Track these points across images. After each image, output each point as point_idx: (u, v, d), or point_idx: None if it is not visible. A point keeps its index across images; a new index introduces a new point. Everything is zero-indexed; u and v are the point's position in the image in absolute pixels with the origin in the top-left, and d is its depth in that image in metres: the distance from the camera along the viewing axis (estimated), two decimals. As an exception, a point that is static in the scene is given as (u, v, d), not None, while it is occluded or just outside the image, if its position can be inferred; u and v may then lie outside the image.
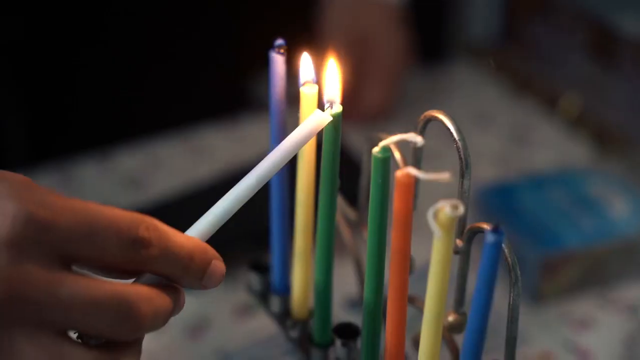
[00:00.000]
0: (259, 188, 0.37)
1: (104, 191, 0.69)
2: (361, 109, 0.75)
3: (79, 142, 0.73)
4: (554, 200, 0.63)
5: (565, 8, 0.77)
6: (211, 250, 0.36)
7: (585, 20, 0.76)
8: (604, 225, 0.60)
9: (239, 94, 0.80)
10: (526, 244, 0.59)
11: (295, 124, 0.40)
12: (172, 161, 0.73)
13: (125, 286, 0.33)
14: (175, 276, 0.35)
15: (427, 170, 0.34)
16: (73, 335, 0.34)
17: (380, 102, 0.75)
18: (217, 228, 0.37)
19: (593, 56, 0.75)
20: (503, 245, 0.35)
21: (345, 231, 0.48)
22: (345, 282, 0.53)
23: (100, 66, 0.76)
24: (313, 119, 0.37)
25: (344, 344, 0.41)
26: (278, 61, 0.40)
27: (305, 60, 0.39)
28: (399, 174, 0.33)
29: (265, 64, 0.41)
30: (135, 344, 0.35)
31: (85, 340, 0.34)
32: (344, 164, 0.40)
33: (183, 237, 0.35)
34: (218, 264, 0.36)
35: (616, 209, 0.62)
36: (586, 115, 0.75)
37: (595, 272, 0.60)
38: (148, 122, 0.76)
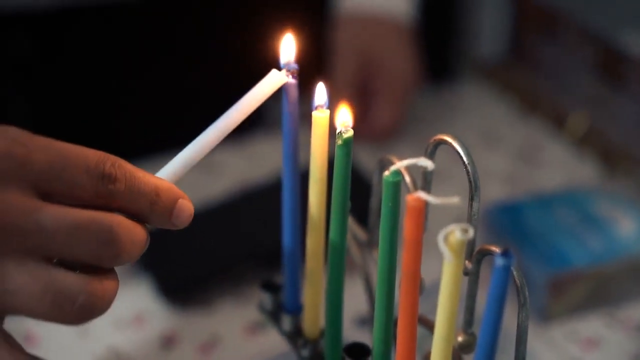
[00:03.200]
0: (220, 140, 0.41)
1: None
2: (371, 129, 0.76)
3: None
4: (561, 220, 0.63)
5: (573, 27, 0.78)
6: (177, 189, 0.38)
7: (592, 40, 0.76)
8: (612, 244, 0.61)
9: (255, 112, 0.81)
10: (534, 263, 0.60)
11: (308, 142, 0.41)
12: (184, 178, 0.74)
13: (103, 213, 0.35)
14: (143, 212, 0.37)
15: (436, 192, 0.35)
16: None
17: (390, 122, 0.76)
18: (181, 173, 0.39)
19: (600, 75, 0.76)
20: (513, 269, 0.35)
21: (355, 251, 0.49)
22: (356, 300, 0.53)
23: (107, 81, 0.77)
24: (269, 80, 0.40)
25: (355, 365, 0.41)
26: (291, 86, 0.41)
27: (320, 89, 0.40)
28: (409, 198, 0.34)
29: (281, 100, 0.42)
30: (112, 272, 0.37)
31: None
32: (353, 183, 0.41)
33: (148, 175, 0.37)
34: (185, 203, 0.38)
35: (623, 228, 0.62)
36: (593, 135, 0.76)
37: (602, 291, 0.60)
38: (158, 139, 0.76)
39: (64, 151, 0.35)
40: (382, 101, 0.76)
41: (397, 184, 0.36)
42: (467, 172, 0.38)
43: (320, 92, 0.39)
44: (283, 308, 0.46)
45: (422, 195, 0.34)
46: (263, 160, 0.75)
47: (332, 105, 0.41)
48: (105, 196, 0.36)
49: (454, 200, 0.33)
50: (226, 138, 0.79)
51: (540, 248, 0.61)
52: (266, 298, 0.47)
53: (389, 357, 0.40)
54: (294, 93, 0.41)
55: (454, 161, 0.37)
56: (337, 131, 0.39)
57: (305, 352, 0.45)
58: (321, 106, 0.40)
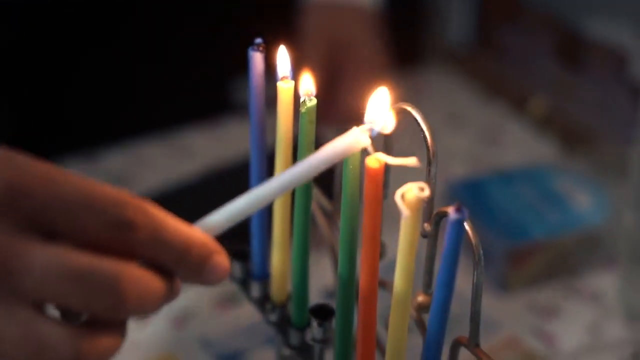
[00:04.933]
0: (278, 195, 0.35)
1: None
2: (339, 113, 0.78)
3: (64, 142, 0.74)
4: (521, 195, 0.66)
5: (535, 14, 0.81)
6: (212, 244, 0.33)
7: (553, 26, 0.79)
8: (568, 217, 0.63)
9: (221, 96, 0.82)
10: (495, 236, 0.62)
11: (274, 123, 0.42)
12: (156, 161, 0.75)
13: (110, 261, 0.31)
14: (169, 266, 0.33)
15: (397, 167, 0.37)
16: (55, 313, 0.33)
17: (356, 106, 0.77)
18: (227, 226, 0.35)
19: (560, 59, 0.78)
20: (466, 226, 0.37)
21: (321, 221, 0.50)
22: (323, 275, 0.55)
23: (85, 68, 0.78)
24: (349, 138, 0.35)
25: (319, 325, 0.43)
26: (257, 59, 0.43)
27: (282, 54, 0.41)
28: (368, 159, 0.36)
29: (246, 68, 0.43)
30: (118, 327, 0.33)
31: (67, 318, 0.32)
32: None
33: (179, 224, 0.33)
34: (220, 260, 0.34)
35: (580, 202, 0.65)
36: (554, 116, 0.78)
37: (560, 262, 0.63)
38: (133, 123, 0.78)
39: (73, 186, 0.31)
40: (349, 86, 0.78)
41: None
42: (425, 137, 0.40)
43: (282, 56, 0.41)
44: (252, 275, 0.47)
45: (380, 156, 0.36)
46: (233, 142, 0.77)
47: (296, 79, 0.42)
48: (122, 244, 0.31)
49: (412, 160, 0.35)
50: (196, 120, 0.81)
51: (501, 222, 0.63)
52: (235, 266, 0.48)
53: (352, 316, 0.42)
54: (259, 65, 0.43)
55: (418, 145, 0.39)
56: (301, 99, 0.41)
57: (273, 317, 0.46)
58: (286, 77, 0.42)
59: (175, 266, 0.33)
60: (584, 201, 0.65)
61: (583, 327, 0.60)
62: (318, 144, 0.43)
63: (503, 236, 0.62)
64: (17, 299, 0.31)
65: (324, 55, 0.77)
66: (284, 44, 0.42)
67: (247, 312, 0.58)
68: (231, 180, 0.69)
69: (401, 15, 0.85)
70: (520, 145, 0.77)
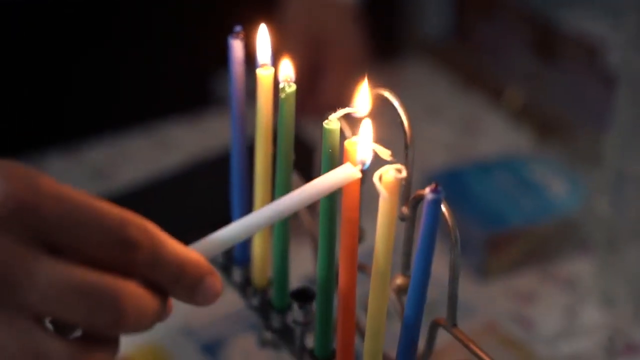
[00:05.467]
0: (272, 222, 0.36)
1: (71, 184, 0.71)
2: (318, 105, 0.79)
3: (47, 136, 0.75)
4: (498, 184, 0.67)
5: (511, 8, 0.82)
6: (206, 264, 0.34)
7: (528, 19, 0.80)
8: (545, 205, 0.65)
9: (203, 90, 0.83)
10: (473, 224, 0.63)
11: (255, 116, 0.43)
12: (138, 154, 0.76)
13: (111, 277, 0.32)
14: (164, 285, 0.34)
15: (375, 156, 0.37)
16: (49, 325, 0.33)
17: (336, 99, 0.78)
18: (220, 249, 0.36)
19: (536, 52, 0.80)
20: (443, 207, 0.38)
21: (302, 210, 0.51)
22: (303, 264, 0.56)
23: (66, 62, 0.78)
24: (339, 172, 0.36)
25: (300, 307, 0.44)
26: (237, 47, 0.43)
27: (263, 35, 0.41)
28: (346, 142, 0.37)
29: (228, 62, 0.43)
30: (112, 343, 0.34)
31: (61, 332, 0.33)
32: (300, 151, 0.43)
33: (177, 245, 0.34)
34: (212, 280, 0.35)
35: (555, 190, 0.66)
36: (529, 107, 0.79)
37: (537, 249, 0.64)
38: (115, 116, 0.78)
39: (79, 204, 0.32)
40: (327, 78, 0.79)
41: (335, 131, 0.38)
42: (401, 122, 0.41)
43: (263, 36, 0.41)
44: (233, 260, 0.48)
45: (358, 139, 0.37)
46: (214, 135, 0.77)
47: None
48: (124, 262, 0.32)
49: (386, 153, 0.36)
50: (178, 113, 0.82)
51: (479, 210, 0.64)
52: (216, 257, 0.49)
53: (332, 298, 0.43)
54: (239, 53, 0.44)
55: (398, 136, 0.40)
56: (280, 86, 0.41)
57: (255, 301, 0.47)
58: (265, 64, 0.42)
59: (171, 286, 0.34)
60: (560, 189, 0.66)
61: (559, 311, 0.61)
62: (298, 134, 0.44)
63: (481, 224, 0.63)
64: (20, 312, 0.31)
65: (304, 49, 0.78)
66: (265, 25, 0.42)
67: (228, 300, 0.58)
68: (211, 172, 0.70)
69: (379, 8, 0.86)
70: (497, 135, 0.79)
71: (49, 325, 0.33)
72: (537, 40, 0.80)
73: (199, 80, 0.82)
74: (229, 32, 0.43)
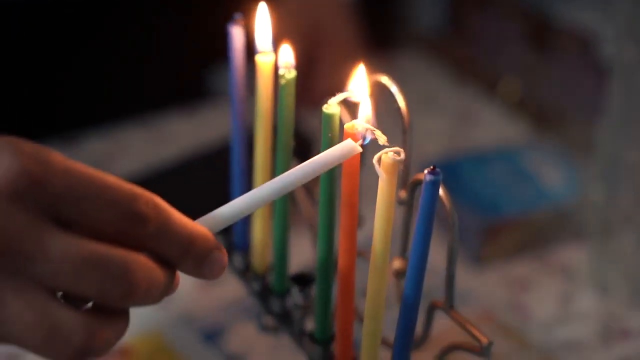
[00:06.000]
0: (275, 197, 0.36)
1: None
2: (313, 96, 0.79)
3: (45, 127, 0.75)
4: (494, 174, 0.68)
5: (505, 0, 0.83)
6: (213, 239, 0.35)
7: (523, 12, 0.81)
8: (540, 194, 0.66)
9: (201, 82, 0.83)
10: (469, 212, 0.64)
11: (253, 109, 0.43)
12: (135, 146, 0.76)
13: (122, 249, 0.32)
14: (172, 259, 0.34)
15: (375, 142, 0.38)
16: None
17: (332, 89, 0.79)
18: (224, 225, 0.36)
19: (530, 44, 0.81)
20: (441, 191, 0.39)
21: (301, 198, 0.52)
22: (302, 253, 0.56)
23: (65, 53, 0.78)
24: (340, 147, 0.37)
25: (300, 290, 0.44)
26: (236, 34, 0.44)
27: (262, 19, 0.41)
28: (346, 126, 0.38)
29: (226, 55, 0.43)
30: (123, 316, 0.34)
31: (72, 303, 0.33)
32: (298, 143, 0.43)
33: (184, 219, 0.34)
34: (219, 255, 0.35)
35: (550, 180, 0.67)
36: (524, 98, 0.80)
37: (532, 237, 0.65)
38: (113, 108, 0.78)
39: (88, 179, 0.32)
40: (323, 70, 0.79)
41: (334, 115, 0.39)
42: (399, 107, 0.41)
43: (262, 17, 0.41)
44: (234, 246, 0.49)
45: (357, 122, 0.37)
46: (212, 127, 0.77)
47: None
48: (133, 236, 0.33)
49: (382, 137, 0.36)
50: (176, 105, 0.82)
51: (475, 199, 0.65)
52: (218, 238, 0.49)
53: (331, 283, 0.43)
54: (239, 41, 0.44)
55: (396, 123, 0.40)
56: (280, 73, 0.42)
57: (255, 285, 0.48)
58: (265, 51, 0.43)
59: (179, 259, 0.34)
60: (555, 178, 0.67)
61: (554, 298, 0.62)
62: (295, 125, 0.44)
63: (477, 213, 0.64)
64: (34, 284, 0.32)
65: (299, 42, 0.78)
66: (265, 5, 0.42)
67: (228, 289, 0.60)
68: (209, 164, 0.70)
69: (375, 1, 0.87)
70: (492, 127, 0.79)
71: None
72: (532, 33, 0.80)
73: (195, 72, 0.83)
74: (225, 24, 0.43)
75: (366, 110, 0.37)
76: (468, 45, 0.87)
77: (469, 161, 0.69)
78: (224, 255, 0.35)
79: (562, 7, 0.78)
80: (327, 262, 0.43)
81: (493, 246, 0.64)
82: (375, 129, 0.37)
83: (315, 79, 0.79)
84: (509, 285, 0.63)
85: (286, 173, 0.36)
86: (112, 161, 0.74)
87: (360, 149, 0.36)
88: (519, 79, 0.81)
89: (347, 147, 0.36)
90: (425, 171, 0.36)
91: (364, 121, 0.37)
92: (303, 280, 0.45)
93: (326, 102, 0.39)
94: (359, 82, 0.40)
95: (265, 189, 0.36)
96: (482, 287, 0.62)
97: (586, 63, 0.74)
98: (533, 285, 0.63)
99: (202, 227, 0.35)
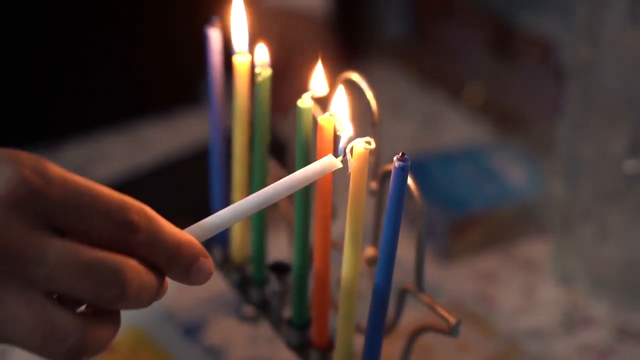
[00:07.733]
0: (260, 208, 0.38)
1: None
2: (283, 103, 0.81)
3: (24, 134, 0.76)
4: (460, 173, 0.70)
5: (469, 9, 0.86)
6: (199, 247, 0.37)
7: (487, 19, 0.84)
8: (504, 191, 0.68)
9: (180, 90, 0.84)
10: (437, 210, 0.66)
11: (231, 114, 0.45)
12: (114, 153, 0.78)
13: (115, 255, 0.34)
14: (161, 265, 0.36)
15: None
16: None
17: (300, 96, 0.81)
18: (210, 234, 0.38)
19: (493, 50, 0.84)
20: (409, 180, 0.41)
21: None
22: (278, 250, 0.58)
23: (45, 60, 0.78)
24: (322, 162, 0.39)
25: (278, 279, 0.47)
26: (214, 36, 0.46)
27: (238, 19, 0.43)
28: (320, 118, 0.40)
29: (205, 63, 0.45)
30: (115, 318, 0.36)
31: (67, 305, 0.35)
32: (272, 142, 0.46)
33: (173, 228, 0.36)
34: (206, 262, 0.37)
35: (514, 177, 0.70)
36: (488, 102, 0.83)
37: (497, 232, 0.68)
38: (92, 115, 0.79)
39: (83, 189, 0.34)
40: (294, 78, 0.81)
41: (308, 110, 0.42)
42: (369, 102, 0.44)
43: (238, 10, 0.43)
44: (213, 239, 0.51)
45: (330, 115, 0.40)
46: (191, 135, 0.78)
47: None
48: (124, 243, 0.35)
49: (350, 130, 0.39)
50: (155, 113, 0.83)
51: (442, 197, 0.68)
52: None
53: (307, 272, 0.46)
54: (217, 43, 0.46)
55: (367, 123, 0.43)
56: (257, 71, 0.44)
57: (235, 276, 0.50)
58: (242, 52, 0.45)
59: (167, 265, 0.36)
60: (518, 176, 0.70)
61: (519, 290, 0.64)
62: (271, 126, 0.46)
63: (444, 210, 0.66)
64: (32, 288, 0.33)
65: (274, 51, 0.80)
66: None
67: (208, 285, 0.61)
68: (188, 168, 0.72)
69: (344, 15, 0.90)
70: (458, 129, 0.82)
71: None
72: (495, 40, 0.84)
73: (177, 80, 0.84)
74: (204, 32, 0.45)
75: (340, 101, 0.40)
76: (433, 53, 0.90)
77: (437, 161, 0.72)
78: (210, 262, 0.37)
79: (523, 15, 0.81)
80: (303, 251, 0.45)
81: (460, 241, 0.66)
82: (347, 121, 0.40)
83: (285, 87, 0.81)
84: (476, 278, 0.65)
85: (271, 186, 0.38)
86: (92, 168, 0.75)
87: (340, 164, 0.39)
88: (482, 83, 0.84)
89: (327, 162, 0.39)
90: (395, 158, 0.38)
91: (340, 112, 0.39)
92: (281, 268, 0.47)
93: (300, 99, 0.42)
94: (321, 77, 0.42)
95: (250, 201, 0.38)
96: (451, 280, 0.65)
97: (546, 68, 0.78)
98: (498, 278, 0.65)
99: (190, 235, 0.37)
